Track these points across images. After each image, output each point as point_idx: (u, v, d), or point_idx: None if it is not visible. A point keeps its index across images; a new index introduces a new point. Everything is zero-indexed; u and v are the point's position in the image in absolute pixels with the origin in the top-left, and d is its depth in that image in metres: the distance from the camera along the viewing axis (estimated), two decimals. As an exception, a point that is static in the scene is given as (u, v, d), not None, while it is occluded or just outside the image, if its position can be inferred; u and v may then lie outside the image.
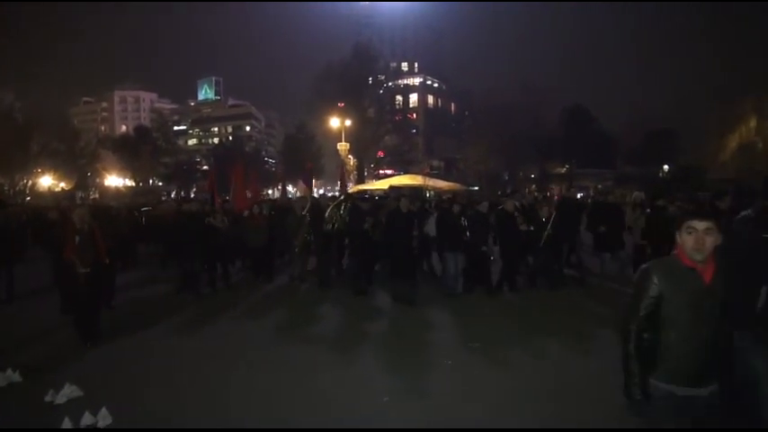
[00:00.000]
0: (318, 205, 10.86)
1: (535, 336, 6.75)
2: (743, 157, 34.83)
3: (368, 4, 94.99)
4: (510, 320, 7.66)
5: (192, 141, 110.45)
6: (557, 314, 7.95)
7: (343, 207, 10.57)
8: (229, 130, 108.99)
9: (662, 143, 44.67)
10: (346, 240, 10.98)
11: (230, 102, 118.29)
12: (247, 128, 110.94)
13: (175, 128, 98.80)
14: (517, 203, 10.13)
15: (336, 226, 10.28)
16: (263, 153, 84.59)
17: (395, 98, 62.45)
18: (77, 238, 6.48)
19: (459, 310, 8.12)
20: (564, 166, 49.81)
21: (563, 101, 49.23)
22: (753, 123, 34.99)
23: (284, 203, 13.68)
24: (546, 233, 9.31)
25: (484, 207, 9.65)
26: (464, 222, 9.02)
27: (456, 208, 9.43)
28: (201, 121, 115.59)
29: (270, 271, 11.15)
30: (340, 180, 17.18)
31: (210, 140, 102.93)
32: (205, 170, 75.13)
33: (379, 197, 18.17)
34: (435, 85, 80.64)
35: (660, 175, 46.74)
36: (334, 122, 38.28)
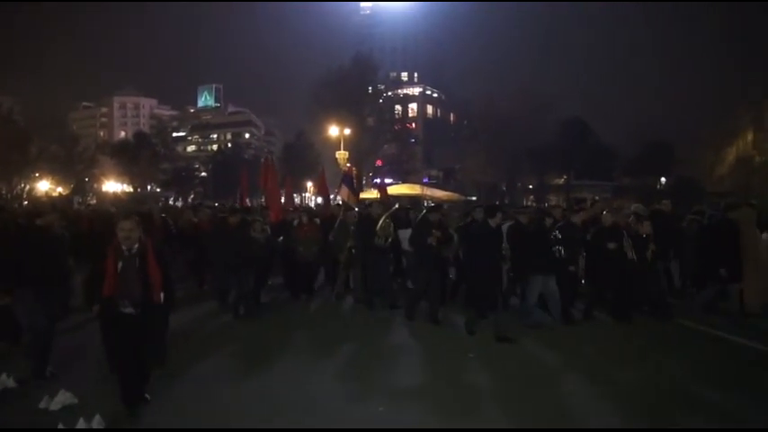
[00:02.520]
0: (369, 216, 9.48)
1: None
2: (740, 171, 34.95)
3: (369, 15, 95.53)
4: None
5: (191, 148, 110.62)
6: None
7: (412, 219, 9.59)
8: (228, 137, 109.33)
9: (659, 155, 44.83)
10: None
11: (230, 109, 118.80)
12: (247, 135, 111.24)
13: (174, 134, 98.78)
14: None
15: (390, 240, 9.12)
16: (263, 160, 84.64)
17: (394, 108, 62.55)
18: (120, 264, 4.43)
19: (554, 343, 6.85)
20: (562, 177, 49.89)
21: (561, 112, 49.37)
22: (750, 137, 35.21)
23: (328, 212, 11.98)
24: (649, 253, 7.88)
25: (578, 219, 8.35)
26: (557, 237, 7.64)
27: (549, 221, 7.99)
28: (201, 127, 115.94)
29: (312, 288, 10.10)
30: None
31: (210, 147, 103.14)
32: (203, 177, 75.30)
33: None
34: (435, 95, 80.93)
35: (657, 187, 46.83)
36: (334, 131, 38.34)
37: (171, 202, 58.21)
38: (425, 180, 53.37)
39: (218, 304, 8.90)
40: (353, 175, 14.77)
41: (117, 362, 4.49)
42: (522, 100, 45.96)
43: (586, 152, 46.16)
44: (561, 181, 50.00)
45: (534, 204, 38.69)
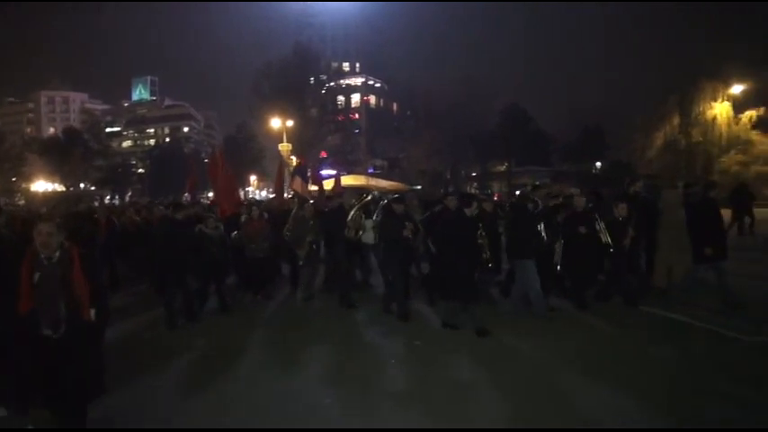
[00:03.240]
0: (341, 207, 9.00)
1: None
2: (668, 154, 36.73)
3: (308, 4, 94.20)
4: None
5: (126, 143, 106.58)
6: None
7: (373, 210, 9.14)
8: (166, 131, 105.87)
9: (594, 141, 46.81)
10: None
11: (167, 102, 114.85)
12: (185, 129, 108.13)
13: (108, 129, 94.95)
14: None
15: (362, 233, 8.70)
16: (203, 154, 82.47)
17: (337, 98, 62.33)
18: (37, 276, 3.68)
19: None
20: (503, 165, 51.09)
21: (502, 100, 50.52)
22: (676, 122, 36.93)
23: (279, 206, 11.34)
24: (627, 239, 7.62)
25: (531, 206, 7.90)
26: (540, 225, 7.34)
27: (531, 206, 7.60)
28: (136, 122, 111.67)
29: (271, 287, 9.44)
30: (276, 180, 15.02)
31: (147, 142, 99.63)
32: (141, 173, 72.65)
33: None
34: (377, 85, 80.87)
35: (593, 171, 48.84)
36: (276, 123, 37.79)
37: (107, 201, 55.91)
38: (370, 170, 53.52)
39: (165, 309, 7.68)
40: (307, 167, 13.98)
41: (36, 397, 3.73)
42: (463, 88, 46.68)
43: (526, 139, 47.44)
44: (503, 168, 51.18)
45: (477, 191, 39.44)
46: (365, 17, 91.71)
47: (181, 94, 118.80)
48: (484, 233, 6.93)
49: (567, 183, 35.68)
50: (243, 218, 9.29)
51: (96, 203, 46.15)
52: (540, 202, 7.84)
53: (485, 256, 7.00)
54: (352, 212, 8.69)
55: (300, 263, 8.83)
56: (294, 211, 9.22)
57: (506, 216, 8.43)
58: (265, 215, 9.60)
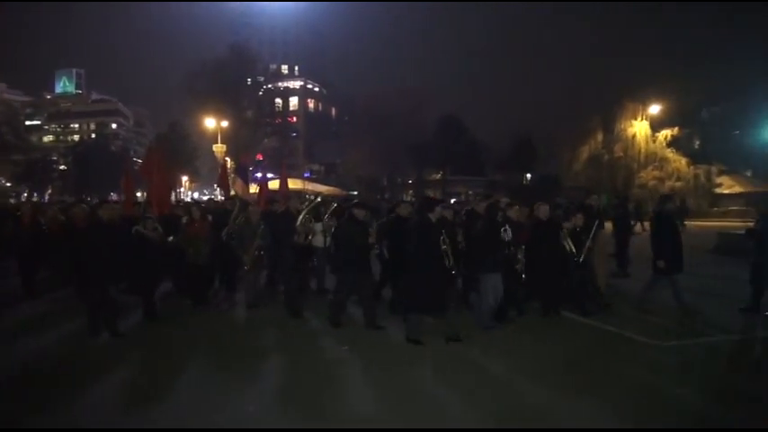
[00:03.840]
0: (287, 211, 8.61)
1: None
2: (592, 168, 38.74)
3: (246, 5, 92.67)
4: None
5: (47, 138, 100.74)
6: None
7: (326, 214, 8.86)
8: (92, 126, 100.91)
9: (525, 153, 48.70)
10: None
11: (93, 96, 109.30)
12: (113, 125, 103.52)
13: (28, 122, 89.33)
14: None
15: (310, 238, 8.51)
16: (132, 152, 79.24)
17: (274, 101, 61.60)
18: None
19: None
20: (438, 173, 52.16)
21: (438, 109, 51.66)
22: (600, 137, 39.03)
23: (220, 206, 10.62)
24: (586, 246, 7.77)
25: (515, 213, 7.77)
26: (506, 233, 7.17)
27: (499, 215, 7.39)
28: (59, 115, 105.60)
29: (205, 294, 8.68)
30: (220, 182, 14.88)
31: (70, 138, 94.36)
32: (63, 170, 68.85)
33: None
34: (316, 89, 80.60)
35: (524, 182, 50.74)
36: (210, 123, 36.94)
37: (24, 198, 52.55)
38: (307, 174, 53.18)
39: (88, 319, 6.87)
40: (248, 168, 13.39)
41: None
42: (401, 98, 47.36)
43: (461, 149, 48.66)
44: (438, 176, 52.24)
45: (412, 199, 40.09)
46: (304, 21, 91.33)
47: (109, 89, 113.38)
48: (447, 240, 6.67)
49: (499, 193, 36.94)
50: (183, 219, 8.68)
51: (12, 200, 43.40)
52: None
53: (448, 263, 6.65)
54: (300, 216, 8.32)
55: (246, 268, 8.33)
56: (234, 213, 8.83)
57: (466, 224, 7.88)
58: (209, 217, 9.09)
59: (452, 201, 31.34)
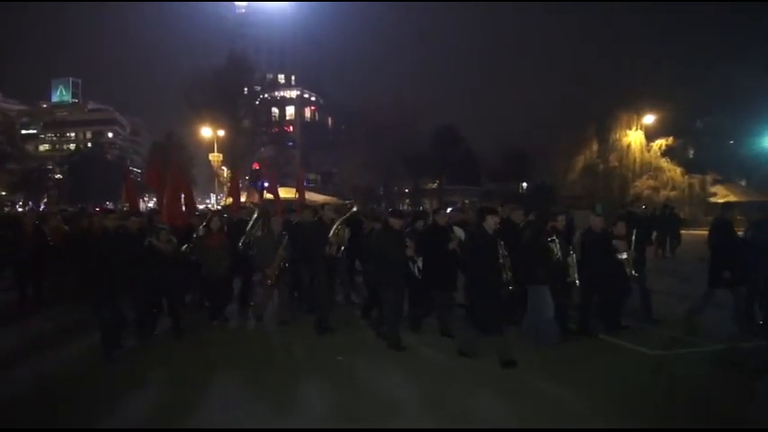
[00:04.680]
0: (320, 221, 7.98)
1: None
2: (587, 177, 38.93)
3: (244, 15, 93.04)
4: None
5: (43, 147, 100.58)
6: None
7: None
8: (89, 135, 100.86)
9: (520, 163, 48.96)
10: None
11: (90, 105, 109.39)
12: (110, 134, 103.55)
13: (24, 131, 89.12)
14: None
15: (343, 249, 7.84)
16: (128, 162, 79.17)
17: (271, 110, 61.66)
18: None
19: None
20: (435, 182, 52.31)
21: (434, 120, 51.87)
22: (595, 147, 39.25)
23: (240, 216, 9.86)
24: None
25: (562, 223, 7.21)
26: (555, 244, 6.69)
27: (518, 216, 7.24)
28: (56, 125, 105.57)
29: (224, 309, 8.21)
30: (231, 191, 14.26)
31: (66, 147, 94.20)
32: (59, 179, 68.69)
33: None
34: (313, 98, 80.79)
35: (520, 191, 50.94)
36: (207, 132, 37.01)
37: (19, 207, 52.37)
38: (305, 184, 53.09)
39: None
40: (264, 176, 12.91)
41: None
42: (397, 108, 47.54)
43: (457, 158, 48.87)
44: (435, 185, 52.38)
45: (410, 207, 40.22)
46: (302, 30, 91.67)
47: (106, 99, 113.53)
48: (506, 252, 6.14)
49: (495, 202, 37.07)
50: (200, 230, 7.96)
51: (6, 209, 43.25)
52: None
53: (506, 278, 6.12)
54: (334, 227, 7.62)
55: (269, 282, 7.87)
56: (252, 223, 8.46)
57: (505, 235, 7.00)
58: (225, 228, 8.50)
59: (449, 210, 31.49)
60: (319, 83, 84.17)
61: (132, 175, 60.60)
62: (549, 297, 6.46)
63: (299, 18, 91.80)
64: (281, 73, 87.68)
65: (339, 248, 7.69)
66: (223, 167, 42.30)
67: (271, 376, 5.77)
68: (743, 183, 40.68)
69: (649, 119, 37.20)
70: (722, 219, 7.96)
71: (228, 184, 46.23)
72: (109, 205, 48.59)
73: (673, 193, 34.55)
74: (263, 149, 52.08)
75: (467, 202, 45.65)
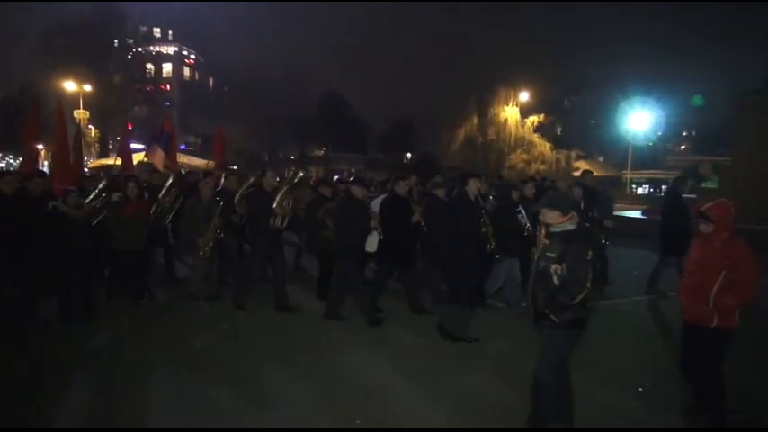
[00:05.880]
0: (260, 189, 7.05)
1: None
2: (468, 149, 40.84)
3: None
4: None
5: None
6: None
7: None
8: None
9: (405, 132, 50.08)
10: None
11: None
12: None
13: None
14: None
15: (287, 220, 6.91)
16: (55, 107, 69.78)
17: (145, 66, 57.33)
18: None
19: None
20: (321, 150, 51.98)
21: (321, 87, 51.25)
22: (475, 121, 41.19)
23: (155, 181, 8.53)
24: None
25: (516, 195, 6.91)
26: (522, 215, 6.40)
27: (515, 194, 6.79)
28: None
29: (147, 285, 7.34)
30: (121, 151, 12.19)
31: None
32: None
33: None
34: (192, 56, 75.99)
35: (404, 161, 52.20)
36: (70, 86, 33.51)
37: None
38: (182, 147, 50.29)
39: None
40: (171, 134, 11.07)
41: None
42: (282, 69, 46.35)
43: (344, 126, 48.82)
44: (321, 153, 52.06)
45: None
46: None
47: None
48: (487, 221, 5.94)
49: (380, 171, 37.71)
50: (114, 197, 6.89)
51: None
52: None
53: (490, 247, 5.93)
54: (279, 196, 6.82)
55: (201, 254, 6.95)
56: (165, 190, 7.65)
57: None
58: (145, 195, 7.50)
59: (335, 178, 31.57)
60: (199, 41, 79.18)
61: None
62: (517, 270, 6.51)
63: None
64: (157, 26, 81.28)
65: (284, 220, 6.87)
66: (90, 126, 38.73)
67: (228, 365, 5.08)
68: (601, 159, 44.97)
69: (524, 96, 39.70)
70: (673, 189, 8.39)
71: (97, 145, 42.80)
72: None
73: (542, 167, 37.34)
74: (136, 109, 48.38)
75: (353, 170, 45.97)
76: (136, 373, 4.79)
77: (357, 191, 6.41)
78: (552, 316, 3.40)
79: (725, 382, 3.77)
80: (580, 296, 3.28)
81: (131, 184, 7.08)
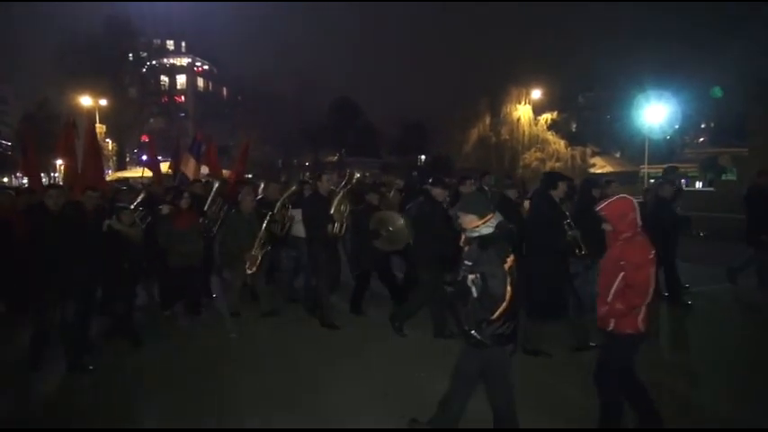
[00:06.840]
0: (316, 194, 6.74)
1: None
2: (481, 149, 40.60)
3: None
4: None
5: None
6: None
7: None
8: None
9: (418, 135, 50.09)
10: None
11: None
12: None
13: None
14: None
15: (345, 227, 6.63)
16: (65, 121, 71.16)
17: (160, 78, 57.96)
18: None
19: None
20: (335, 155, 52.16)
21: (334, 92, 51.47)
22: (488, 121, 40.96)
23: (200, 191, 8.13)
24: None
25: (513, 194, 6.47)
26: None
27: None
28: None
29: (198, 301, 6.96)
30: (150, 162, 12.65)
31: None
32: None
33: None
34: (206, 67, 76.69)
35: (418, 164, 52.16)
36: (86, 101, 34.04)
37: None
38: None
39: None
40: (206, 143, 10.90)
41: None
42: (295, 80, 46.62)
43: (356, 131, 49.00)
44: (335, 158, 52.21)
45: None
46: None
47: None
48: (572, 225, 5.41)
49: (395, 174, 37.65)
50: (163, 209, 6.58)
51: None
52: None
53: (580, 252, 5.44)
54: (335, 201, 6.49)
55: (249, 270, 6.70)
56: (210, 200, 7.38)
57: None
58: (194, 206, 7.11)
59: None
60: (212, 51, 79.88)
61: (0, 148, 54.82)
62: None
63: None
64: (170, 39, 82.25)
65: (342, 227, 6.56)
66: (107, 140, 39.30)
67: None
68: (617, 155, 44.36)
69: (537, 94, 39.37)
70: (757, 184, 8.10)
71: (114, 158, 43.33)
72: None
73: (557, 165, 36.91)
74: (152, 121, 48.96)
75: (367, 174, 45.97)
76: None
77: (438, 193, 5.90)
78: (474, 332, 3.17)
79: (624, 397, 3.65)
80: (499, 310, 3.07)
81: (185, 196, 6.78)
